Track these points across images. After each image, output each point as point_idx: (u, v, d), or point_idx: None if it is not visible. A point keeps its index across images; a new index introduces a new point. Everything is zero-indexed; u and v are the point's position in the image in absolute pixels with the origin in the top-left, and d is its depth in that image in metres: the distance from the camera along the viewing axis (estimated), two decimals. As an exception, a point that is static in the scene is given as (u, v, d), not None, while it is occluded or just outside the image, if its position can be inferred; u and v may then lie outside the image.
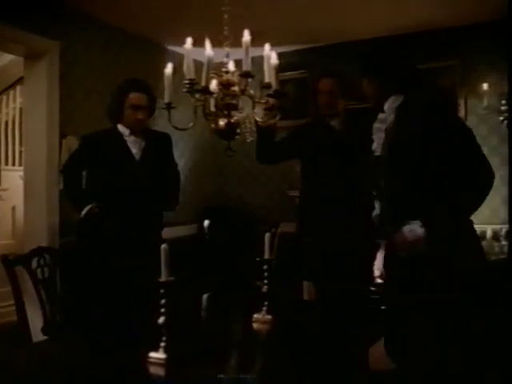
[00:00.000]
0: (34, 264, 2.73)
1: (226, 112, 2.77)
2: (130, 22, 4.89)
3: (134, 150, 3.24)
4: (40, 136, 4.38)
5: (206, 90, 2.62)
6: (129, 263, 2.97)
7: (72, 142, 4.44)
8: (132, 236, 3.10)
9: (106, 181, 3.20)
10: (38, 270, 2.74)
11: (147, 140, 3.29)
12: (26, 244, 4.37)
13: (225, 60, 2.85)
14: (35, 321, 2.68)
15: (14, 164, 5.95)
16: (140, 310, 2.37)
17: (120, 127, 3.26)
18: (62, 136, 4.42)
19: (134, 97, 3.19)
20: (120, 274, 2.97)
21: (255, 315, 2.40)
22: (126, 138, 3.24)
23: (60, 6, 4.34)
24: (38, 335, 2.63)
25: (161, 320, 1.76)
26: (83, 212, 3.14)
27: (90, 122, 4.69)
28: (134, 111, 3.18)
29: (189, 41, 2.58)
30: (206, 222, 5.72)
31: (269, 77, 2.63)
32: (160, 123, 5.11)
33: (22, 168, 4.95)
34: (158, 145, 3.36)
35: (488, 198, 2.04)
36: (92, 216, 3.12)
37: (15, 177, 5.58)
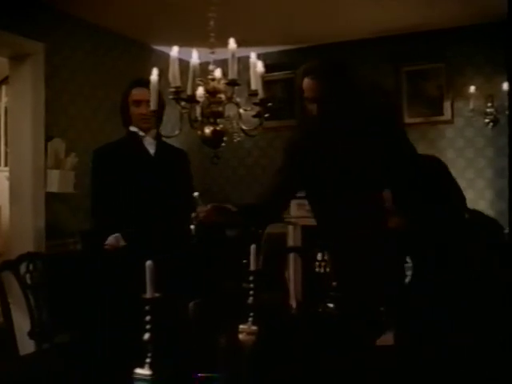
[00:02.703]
0: (23, 269, 2.71)
1: (212, 120, 2.77)
2: (117, 23, 4.85)
3: (152, 151, 3.21)
4: (25, 137, 4.34)
5: (191, 99, 2.62)
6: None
7: (58, 145, 4.41)
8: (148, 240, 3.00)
9: (125, 183, 3.12)
10: (27, 276, 2.72)
11: (160, 143, 3.24)
12: (12, 245, 4.36)
13: (211, 67, 2.84)
14: (22, 324, 2.66)
15: (-1, 164, 5.92)
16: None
17: (132, 128, 3.23)
18: (48, 138, 4.37)
19: (136, 92, 3.17)
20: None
21: (241, 326, 2.39)
22: (142, 138, 3.20)
23: (45, 7, 4.29)
24: (24, 339, 2.62)
25: (146, 336, 1.76)
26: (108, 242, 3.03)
27: (76, 125, 4.67)
28: (136, 107, 3.16)
29: (175, 49, 2.57)
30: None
31: (255, 85, 2.63)
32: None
33: (7, 169, 4.91)
34: (173, 156, 3.31)
35: (472, 200, 2.09)
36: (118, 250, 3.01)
37: (1, 177, 5.55)
